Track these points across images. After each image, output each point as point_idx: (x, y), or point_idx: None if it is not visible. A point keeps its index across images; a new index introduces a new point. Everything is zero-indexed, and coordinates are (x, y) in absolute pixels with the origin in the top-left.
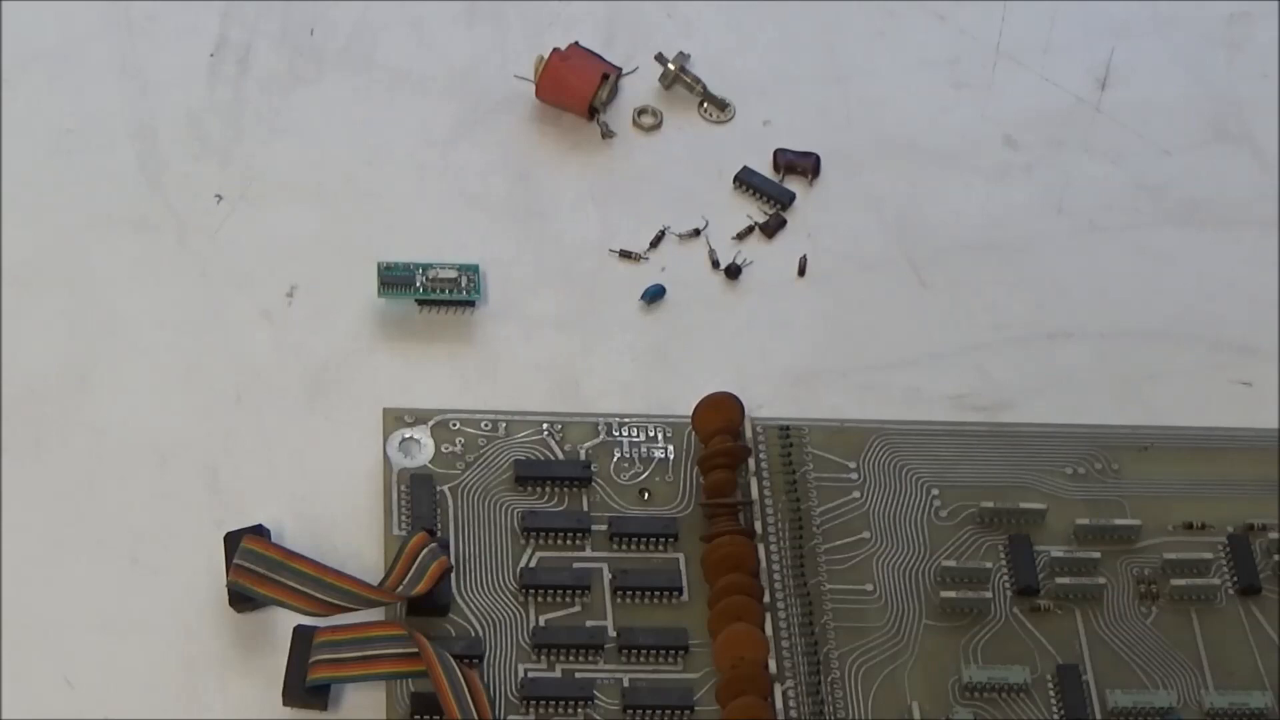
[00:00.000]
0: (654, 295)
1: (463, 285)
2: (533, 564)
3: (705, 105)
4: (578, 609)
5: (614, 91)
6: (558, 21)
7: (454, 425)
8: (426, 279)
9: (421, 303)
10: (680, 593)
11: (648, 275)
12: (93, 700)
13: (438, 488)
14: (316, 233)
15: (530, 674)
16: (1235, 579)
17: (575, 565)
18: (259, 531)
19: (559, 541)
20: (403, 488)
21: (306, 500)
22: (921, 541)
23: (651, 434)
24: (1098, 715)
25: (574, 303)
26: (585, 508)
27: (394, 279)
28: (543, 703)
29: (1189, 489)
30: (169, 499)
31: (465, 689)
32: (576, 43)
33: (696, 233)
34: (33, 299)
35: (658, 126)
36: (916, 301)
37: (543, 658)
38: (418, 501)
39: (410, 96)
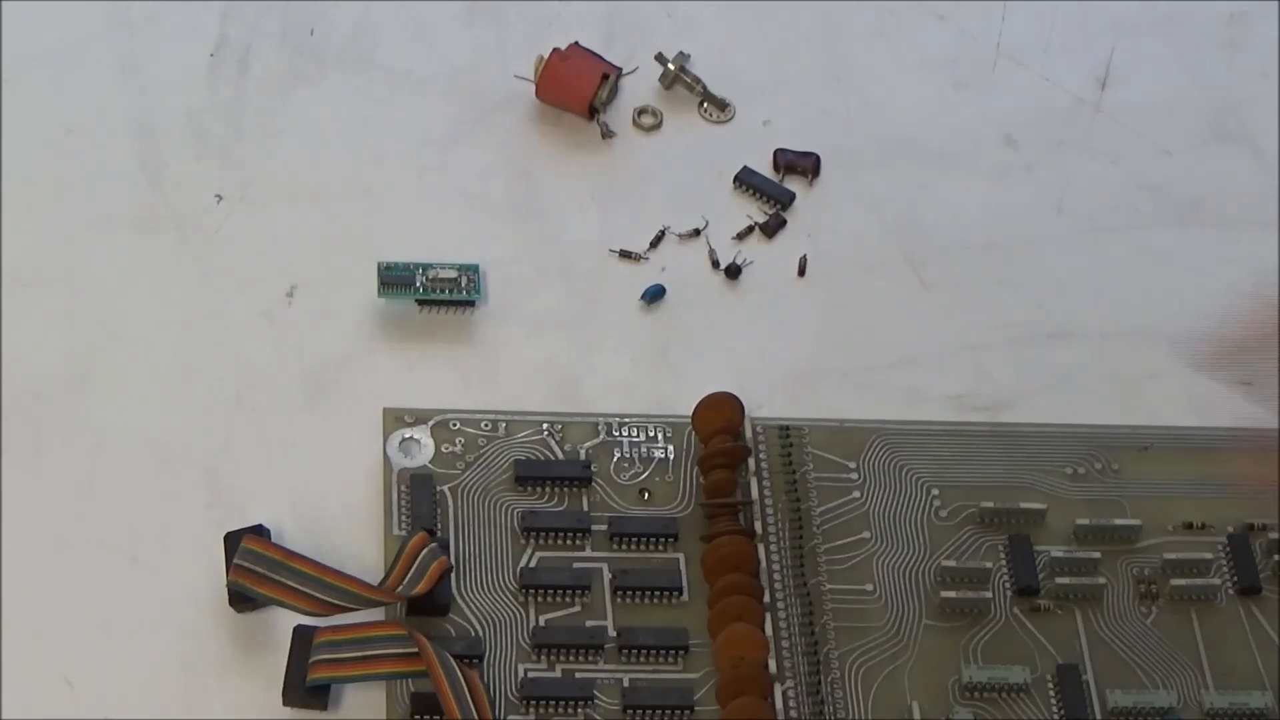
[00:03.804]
0: (654, 295)
1: (463, 285)
2: (533, 564)
3: (705, 105)
4: (578, 609)
5: (614, 91)
6: (558, 21)
7: (454, 425)
8: (426, 279)
9: (421, 303)
10: (680, 593)
11: (648, 275)
12: (93, 700)
13: (438, 488)
14: (316, 233)
15: (530, 674)
16: (1235, 579)
17: (575, 565)
18: (259, 531)
19: (559, 541)
20: (403, 488)
21: (306, 500)
22: (921, 541)
23: (651, 434)
24: (1098, 715)
25: (574, 303)
26: (585, 508)
27: (394, 279)
28: (543, 703)
29: (1189, 489)
30: (169, 499)
31: (465, 689)
32: (576, 43)
33: (696, 233)
34: (33, 299)
35: (658, 126)
36: (916, 301)
37: (543, 658)
38: (418, 501)
39: (410, 96)
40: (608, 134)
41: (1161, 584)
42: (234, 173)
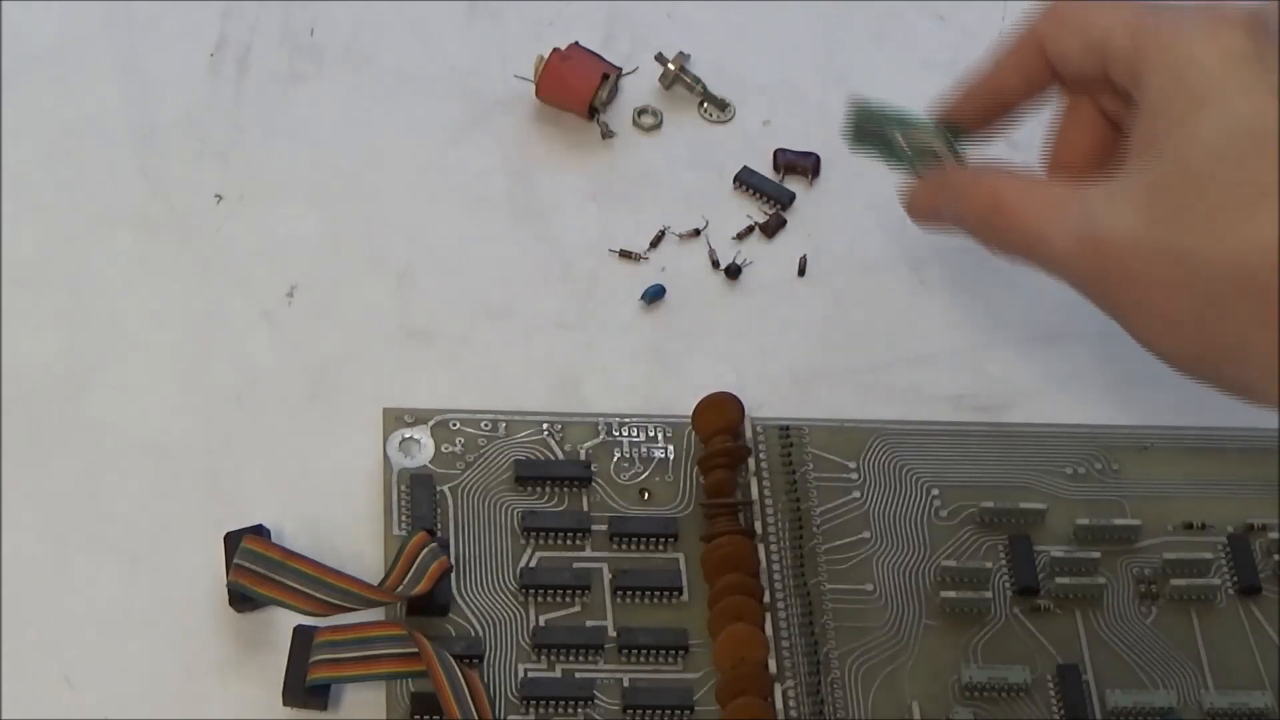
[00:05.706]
0: (654, 295)
1: (939, 156)
2: (533, 564)
3: (705, 105)
4: (578, 609)
5: (614, 91)
6: (558, 21)
7: (454, 425)
8: (905, 141)
9: (889, 158)
10: (680, 593)
11: (648, 275)
12: (93, 700)
13: (438, 488)
14: (316, 233)
15: (530, 674)
16: (1235, 579)
17: (575, 565)
18: (259, 531)
19: (559, 541)
20: (403, 488)
21: (306, 500)
22: (921, 541)
23: (651, 434)
24: (1098, 715)
25: (574, 303)
26: (585, 508)
27: (869, 130)
28: (543, 703)
29: (1189, 489)
30: (169, 499)
31: (465, 689)
32: (576, 43)
33: (696, 233)
34: (33, 299)
35: (658, 126)
36: (916, 301)
37: (543, 658)
38: (418, 501)
39: (410, 96)
40: (608, 134)
41: (1161, 584)
42: (234, 173)
